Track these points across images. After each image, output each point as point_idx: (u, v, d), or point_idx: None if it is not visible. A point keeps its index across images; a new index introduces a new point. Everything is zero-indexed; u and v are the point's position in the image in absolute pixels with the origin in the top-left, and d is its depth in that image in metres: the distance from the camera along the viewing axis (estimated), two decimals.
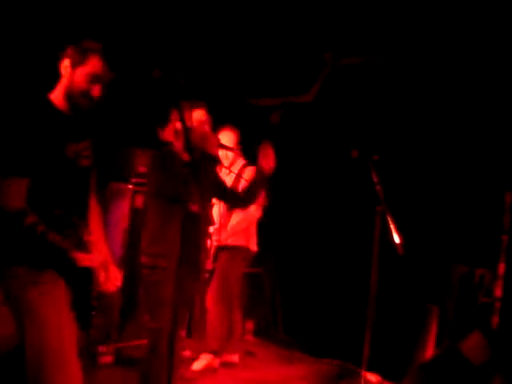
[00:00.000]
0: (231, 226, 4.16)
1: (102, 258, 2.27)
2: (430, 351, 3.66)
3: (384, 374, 3.94)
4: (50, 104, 2.23)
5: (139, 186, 4.18)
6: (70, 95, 2.22)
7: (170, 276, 2.67)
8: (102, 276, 2.25)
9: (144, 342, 4.17)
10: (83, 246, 2.20)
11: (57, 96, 2.24)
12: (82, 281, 2.20)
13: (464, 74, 4.03)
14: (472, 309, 3.68)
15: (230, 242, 4.15)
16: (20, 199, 2.07)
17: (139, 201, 4.15)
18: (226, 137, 4.06)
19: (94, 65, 2.18)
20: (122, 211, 4.08)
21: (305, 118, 5.11)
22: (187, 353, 4.20)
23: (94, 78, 2.19)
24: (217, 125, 4.28)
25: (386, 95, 4.48)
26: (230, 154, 4.14)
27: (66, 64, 2.20)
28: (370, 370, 3.52)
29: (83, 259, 2.14)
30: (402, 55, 4.34)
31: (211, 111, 4.02)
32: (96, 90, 2.21)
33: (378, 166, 3.10)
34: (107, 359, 3.75)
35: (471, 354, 3.01)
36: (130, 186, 4.17)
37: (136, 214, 4.10)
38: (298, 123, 5.16)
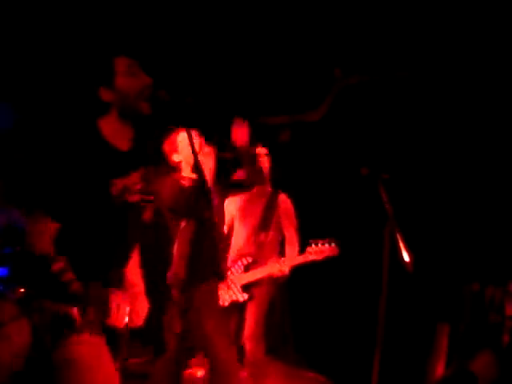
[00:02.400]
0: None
1: (125, 316, 2.11)
2: (440, 370, 3.62)
3: None
4: (97, 135, 2.08)
5: (147, 203, 4.20)
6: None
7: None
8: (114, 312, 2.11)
9: (150, 357, 4.19)
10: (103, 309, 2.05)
11: (106, 123, 2.11)
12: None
13: (475, 91, 4.04)
14: (483, 327, 3.65)
15: None
16: (48, 242, 1.96)
17: (147, 215, 4.17)
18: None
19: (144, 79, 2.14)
20: None
21: (314, 135, 5.14)
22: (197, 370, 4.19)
23: (145, 93, 2.11)
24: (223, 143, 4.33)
25: (395, 113, 4.49)
26: None
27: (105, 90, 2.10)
28: None
29: (110, 320, 2.04)
30: (411, 73, 4.37)
31: (219, 130, 4.07)
32: (146, 106, 2.12)
33: (388, 184, 3.10)
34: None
35: (481, 372, 2.98)
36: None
37: (145, 228, 4.11)
38: (307, 141, 5.18)
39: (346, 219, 4.71)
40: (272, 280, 3.92)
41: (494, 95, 3.94)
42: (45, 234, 1.99)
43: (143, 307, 2.29)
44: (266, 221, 4.02)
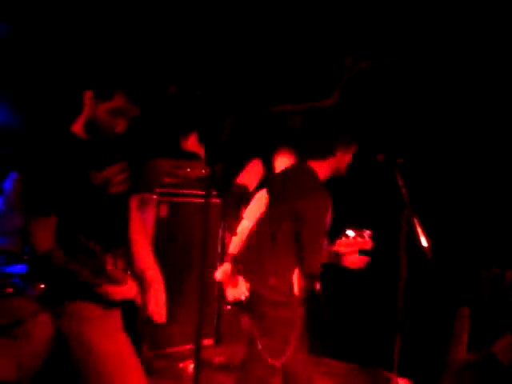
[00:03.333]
0: None
1: (135, 287, 2.16)
2: (461, 355, 3.59)
3: (415, 378, 3.88)
4: (72, 136, 2.20)
5: (163, 196, 4.21)
6: (91, 127, 2.20)
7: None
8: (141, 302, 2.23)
9: (175, 349, 4.23)
10: (113, 278, 2.09)
11: (79, 127, 2.21)
12: (126, 310, 2.20)
13: (491, 74, 3.97)
14: (503, 310, 3.61)
15: None
16: (48, 239, 2.06)
17: (164, 210, 4.19)
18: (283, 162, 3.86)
19: (118, 102, 2.14)
20: (146, 221, 4.12)
21: (328, 122, 5.09)
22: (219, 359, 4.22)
23: (118, 114, 2.15)
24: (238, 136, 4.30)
25: (410, 97, 4.43)
26: None
27: (90, 96, 2.16)
28: (401, 375, 3.48)
29: (115, 292, 2.08)
30: (425, 56, 4.30)
31: (233, 120, 4.00)
32: (120, 126, 2.18)
33: (403, 169, 3.07)
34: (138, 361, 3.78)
35: (503, 355, 2.96)
36: (155, 197, 4.21)
37: (161, 224, 4.14)
38: (321, 128, 5.13)
39: (362, 206, 4.67)
40: None
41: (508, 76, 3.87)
42: (45, 231, 2.06)
43: (161, 302, 2.33)
44: None
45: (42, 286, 2.21)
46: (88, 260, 2.04)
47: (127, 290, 2.10)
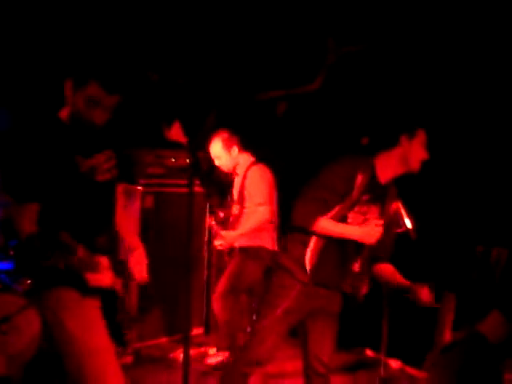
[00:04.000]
0: (242, 228, 4.08)
1: (110, 276, 2.18)
2: (448, 334, 3.63)
3: (404, 359, 3.92)
4: (58, 121, 2.21)
5: (148, 187, 4.20)
6: (73, 116, 2.20)
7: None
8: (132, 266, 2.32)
9: (162, 340, 4.24)
10: (93, 266, 2.12)
11: (65, 114, 2.23)
12: (108, 298, 2.22)
13: (483, 59, 3.96)
14: (489, 289, 3.64)
15: (243, 243, 4.07)
16: (31, 224, 2.07)
17: (149, 201, 4.18)
18: (215, 147, 4.06)
19: (92, 90, 2.12)
20: (132, 212, 4.10)
21: (311, 107, 5.09)
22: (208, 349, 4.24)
23: (92, 103, 2.14)
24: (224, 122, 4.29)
25: (392, 79, 4.43)
26: (228, 157, 4.07)
27: (68, 86, 2.17)
28: (390, 356, 3.51)
29: (93, 280, 2.10)
30: (405, 39, 4.29)
31: (218, 109, 3.97)
32: (97, 117, 2.17)
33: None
34: (127, 360, 3.79)
35: (490, 333, 2.98)
36: (140, 188, 4.19)
37: (146, 215, 4.13)
38: (305, 113, 5.13)
39: None
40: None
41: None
42: (29, 216, 2.07)
43: (142, 262, 2.40)
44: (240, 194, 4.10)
45: (29, 281, 2.21)
46: (60, 249, 2.03)
47: (102, 277, 2.12)
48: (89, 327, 2.15)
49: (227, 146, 4.05)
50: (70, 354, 2.12)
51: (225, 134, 4.07)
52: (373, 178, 2.71)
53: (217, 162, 4.10)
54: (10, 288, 3.81)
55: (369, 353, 4.13)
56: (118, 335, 2.23)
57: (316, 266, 2.65)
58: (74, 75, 2.15)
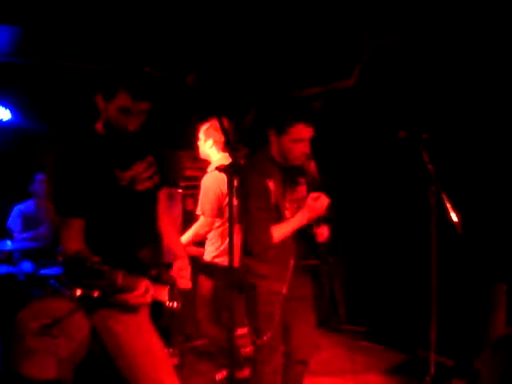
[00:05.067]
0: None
1: (150, 289, 2.13)
2: (500, 330, 3.52)
3: (454, 357, 3.83)
4: (96, 134, 2.24)
5: (188, 190, 4.23)
6: (107, 126, 2.22)
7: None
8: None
9: (205, 341, 4.25)
10: (133, 288, 2.08)
11: (100, 126, 2.25)
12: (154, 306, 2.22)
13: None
14: None
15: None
16: (78, 241, 2.10)
17: (190, 203, 4.21)
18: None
19: (122, 100, 2.12)
20: (174, 216, 4.14)
21: (349, 102, 5.02)
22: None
23: (124, 112, 2.15)
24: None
25: (430, 72, 4.33)
26: (201, 146, 3.77)
27: (99, 99, 2.19)
28: (440, 354, 3.43)
29: (133, 298, 2.08)
30: (446, 30, 4.18)
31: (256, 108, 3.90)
32: (131, 123, 2.17)
33: (428, 145, 3.00)
34: (173, 361, 3.82)
35: None
36: (180, 190, 4.23)
37: (188, 217, 4.15)
38: (342, 108, 5.07)
39: (389, 185, 4.60)
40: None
41: None
42: (75, 232, 2.09)
43: (186, 271, 2.39)
44: None
45: (79, 292, 2.25)
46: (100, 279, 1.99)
47: (141, 294, 2.07)
48: (137, 330, 2.16)
49: (206, 134, 3.74)
50: (122, 357, 2.13)
51: (213, 123, 3.70)
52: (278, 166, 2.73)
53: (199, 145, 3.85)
54: (59, 292, 3.92)
55: (420, 352, 4.05)
56: (164, 337, 2.25)
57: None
58: (102, 88, 2.16)
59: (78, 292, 2.17)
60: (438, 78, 4.21)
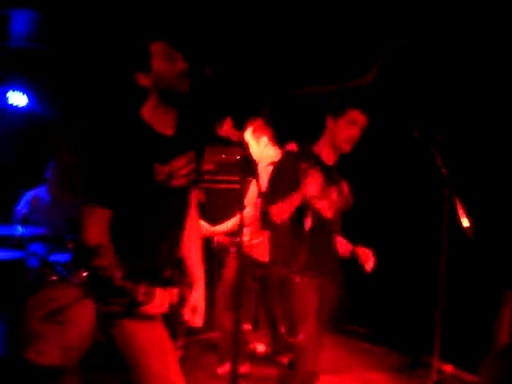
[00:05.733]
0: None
1: (165, 298, 2.05)
2: (505, 337, 3.49)
3: (458, 363, 3.81)
4: (140, 121, 2.09)
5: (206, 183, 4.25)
6: (158, 87, 2.09)
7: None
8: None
9: (213, 334, 4.27)
10: (150, 299, 2.00)
11: (147, 113, 2.11)
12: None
13: None
14: None
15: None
16: (99, 233, 1.97)
17: (201, 198, 4.20)
18: (246, 134, 3.83)
19: (180, 62, 2.08)
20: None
21: (364, 100, 4.99)
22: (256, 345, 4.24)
23: (169, 56, 2.08)
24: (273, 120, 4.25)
25: (445, 73, 4.29)
26: (256, 147, 3.83)
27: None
28: (444, 360, 3.41)
29: (150, 309, 2.00)
30: (462, 32, 4.14)
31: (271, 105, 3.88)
32: (185, 86, 2.09)
33: (442, 146, 2.98)
34: (177, 354, 3.83)
35: None
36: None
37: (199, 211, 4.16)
38: (357, 106, 5.04)
39: (401, 185, 4.58)
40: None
41: None
42: (98, 222, 1.99)
43: (198, 304, 2.32)
44: None
45: (85, 274, 2.21)
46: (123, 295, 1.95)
47: (158, 305, 2.01)
48: (145, 327, 2.07)
49: (256, 136, 3.81)
50: (130, 352, 2.06)
51: (257, 123, 3.83)
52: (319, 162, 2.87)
53: (250, 150, 3.84)
54: (66, 279, 3.94)
55: (422, 357, 4.03)
56: (169, 329, 2.22)
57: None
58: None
59: (84, 273, 2.10)
60: (455, 80, 4.18)
